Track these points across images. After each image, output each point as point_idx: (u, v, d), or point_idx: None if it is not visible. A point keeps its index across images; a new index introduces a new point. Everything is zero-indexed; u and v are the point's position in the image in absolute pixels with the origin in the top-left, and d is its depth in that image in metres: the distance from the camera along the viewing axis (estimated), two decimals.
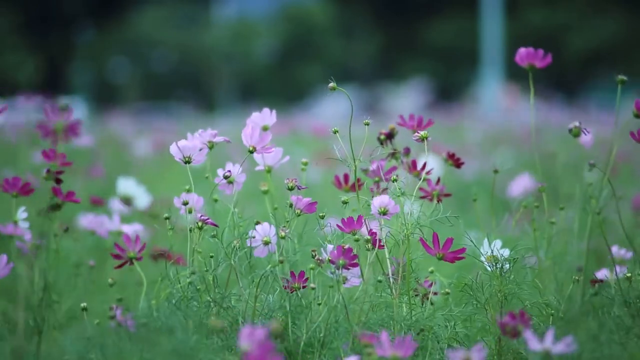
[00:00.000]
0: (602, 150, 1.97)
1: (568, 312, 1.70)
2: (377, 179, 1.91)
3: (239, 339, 1.40)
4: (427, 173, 1.92)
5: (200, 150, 1.81)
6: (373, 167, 1.94)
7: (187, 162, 1.80)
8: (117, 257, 1.77)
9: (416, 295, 1.81)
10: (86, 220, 2.41)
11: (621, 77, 1.83)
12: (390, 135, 2.01)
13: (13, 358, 1.61)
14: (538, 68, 1.91)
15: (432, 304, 1.83)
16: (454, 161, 2.01)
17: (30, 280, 1.78)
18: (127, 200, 2.49)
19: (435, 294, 1.88)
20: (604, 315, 1.70)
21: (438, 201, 1.94)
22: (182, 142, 1.80)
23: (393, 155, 2.00)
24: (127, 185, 2.51)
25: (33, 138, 5.01)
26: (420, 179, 1.90)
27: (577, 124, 1.85)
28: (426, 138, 1.83)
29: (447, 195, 1.97)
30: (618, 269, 1.84)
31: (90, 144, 5.37)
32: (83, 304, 1.78)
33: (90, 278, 2.36)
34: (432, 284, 1.87)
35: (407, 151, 2.01)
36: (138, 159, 6.63)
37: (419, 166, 1.96)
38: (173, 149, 1.80)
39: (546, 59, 1.91)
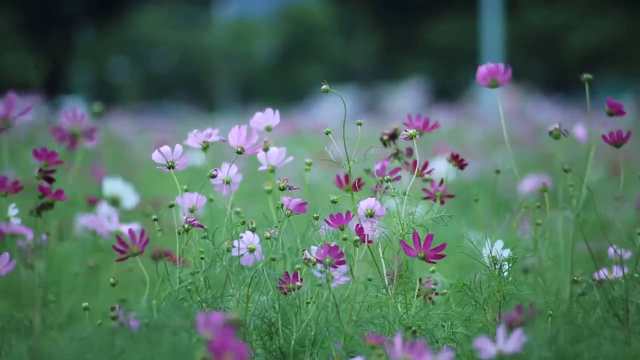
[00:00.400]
0: (602, 150, 1.98)
1: (554, 312, 1.70)
2: (379, 179, 1.90)
3: (198, 328, 1.38)
4: (428, 173, 1.91)
5: (182, 155, 1.82)
6: (377, 167, 1.94)
7: (171, 167, 1.81)
8: (119, 251, 1.77)
9: (417, 296, 1.80)
10: (86, 221, 2.41)
11: (587, 76, 1.82)
12: (393, 136, 2.00)
13: (30, 357, 1.61)
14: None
15: (433, 303, 1.83)
16: (458, 162, 2.00)
17: (28, 280, 1.78)
18: (114, 201, 2.48)
19: (436, 294, 1.87)
20: (590, 316, 1.70)
21: (441, 203, 1.93)
22: (164, 148, 1.81)
23: (395, 155, 2.00)
24: (114, 186, 2.50)
25: (30, 137, 5.01)
26: (420, 179, 1.89)
27: (557, 126, 1.85)
28: (414, 136, 1.83)
29: (450, 196, 1.97)
30: (618, 269, 1.83)
31: (93, 144, 5.36)
32: (85, 304, 1.78)
33: (88, 278, 2.36)
34: (434, 284, 1.87)
35: (409, 152, 2.00)
36: (138, 159, 6.64)
37: (420, 166, 1.96)
38: (156, 155, 1.81)
39: (506, 73, 1.89)
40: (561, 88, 19.31)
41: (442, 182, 1.98)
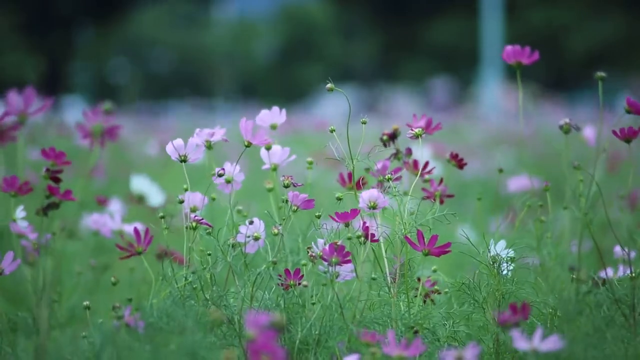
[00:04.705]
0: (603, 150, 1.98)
1: (562, 311, 1.70)
2: (380, 178, 1.91)
3: (246, 325, 1.39)
4: (429, 173, 1.92)
5: (197, 147, 1.80)
6: (378, 167, 1.94)
7: (183, 160, 1.80)
8: (124, 250, 1.76)
9: (418, 295, 1.81)
10: (90, 220, 2.41)
11: (600, 74, 1.82)
12: (393, 136, 2.00)
13: (36, 355, 1.61)
14: (526, 65, 1.89)
15: (433, 302, 1.83)
16: (457, 162, 2.00)
17: (33, 279, 1.78)
18: (140, 199, 2.47)
19: (438, 292, 1.87)
20: (597, 314, 1.69)
21: (440, 202, 1.93)
22: (177, 141, 1.80)
23: (395, 155, 2.00)
24: (140, 183, 2.49)
25: (31, 136, 5.02)
26: (418, 178, 1.90)
27: (567, 120, 1.84)
28: (420, 135, 1.84)
29: (450, 196, 1.97)
30: (622, 268, 1.84)
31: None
32: (86, 303, 1.78)
33: (90, 278, 2.36)
34: (434, 283, 1.87)
35: (409, 151, 2.00)
36: (138, 158, 6.64)
37: (421, 166, 1.96)
38: (169, 148, 1.79)
39: (533, 55, 1.89)
40: (561, 88, 19.32)
41: (441, 181, 1.98)
